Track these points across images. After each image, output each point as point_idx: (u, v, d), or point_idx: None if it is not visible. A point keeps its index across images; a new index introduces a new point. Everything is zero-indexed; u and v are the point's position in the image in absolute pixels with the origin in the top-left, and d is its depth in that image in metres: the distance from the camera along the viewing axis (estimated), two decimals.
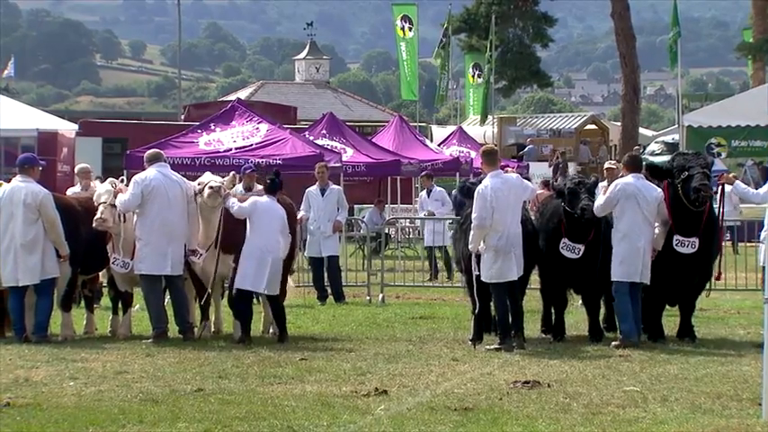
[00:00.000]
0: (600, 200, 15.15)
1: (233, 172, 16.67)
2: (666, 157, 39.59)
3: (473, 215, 14.68)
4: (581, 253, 15.25)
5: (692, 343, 15.16)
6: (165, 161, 16.19)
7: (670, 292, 15.34)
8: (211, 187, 15.38)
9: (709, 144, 34.61)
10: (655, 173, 15.44)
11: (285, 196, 16.52)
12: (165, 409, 11.00)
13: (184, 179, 15.96)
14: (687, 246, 15.03)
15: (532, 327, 16.54)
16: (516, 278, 14.75)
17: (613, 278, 14.98)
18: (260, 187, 17.17)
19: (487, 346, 14.68)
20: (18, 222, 15.15)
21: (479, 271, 14.78)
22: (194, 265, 15.75)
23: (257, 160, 22.00)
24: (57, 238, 15.26)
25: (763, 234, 14.91)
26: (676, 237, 15.06)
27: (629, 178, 15.11)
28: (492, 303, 15.02)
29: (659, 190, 15.10)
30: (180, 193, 15.53)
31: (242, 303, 15.47)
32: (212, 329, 16.30)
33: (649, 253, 14.97)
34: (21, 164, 15.78)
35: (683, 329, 15.49)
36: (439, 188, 25.22)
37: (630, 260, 14.89)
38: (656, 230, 15.19)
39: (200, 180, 15.72)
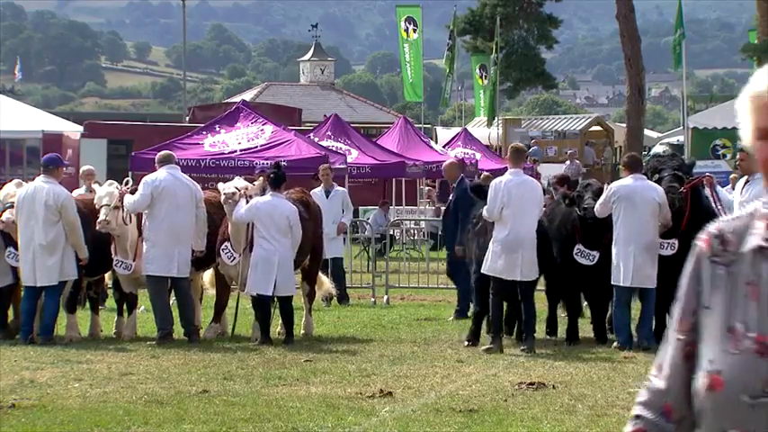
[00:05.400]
0: (598, 201, 14.99)
1: (263, 176, 16.65)
2: None
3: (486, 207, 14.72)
4: (596, 260, 15.09)
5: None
6: (177, 163, 16.22)
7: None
8: (225, 194, 15.40)
9: (714, 145, 34.65)
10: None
11: (308, 197, 16.71)
12: (170, 410, 11.00)
13: (194, 182, 15.98)
14: (666, 248, 14.78)
15: (537, 329, 16.53)
16: (519, 279, 14.65)
17: (612, 282, 14.83)
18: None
19: (482, 348, 14.65)
20: (39, 223, 15.14)
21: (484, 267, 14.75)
22: (227, 269, 15.79)
23: (264, 162, 21.99)
24: (77, 240, 15.27)
25: None
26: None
27: (627, 180, 14.89)
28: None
29: (660, 191, 14.82)
30: (189, 196, 15.55)
31: (260, 307, 15.48)
32: (218, 331, 16.34)
33: (645, 256, 14.67)
34: (45, 164, 15.77)
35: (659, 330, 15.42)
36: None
37: (619, 264, 14.69)
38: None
39: (225, 186, 15.70)
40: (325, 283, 17.47)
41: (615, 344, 14.85)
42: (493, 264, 14.64)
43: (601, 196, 15.00)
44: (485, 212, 14.79)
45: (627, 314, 14.82)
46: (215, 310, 16.13)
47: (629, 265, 14.65)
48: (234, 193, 15.41)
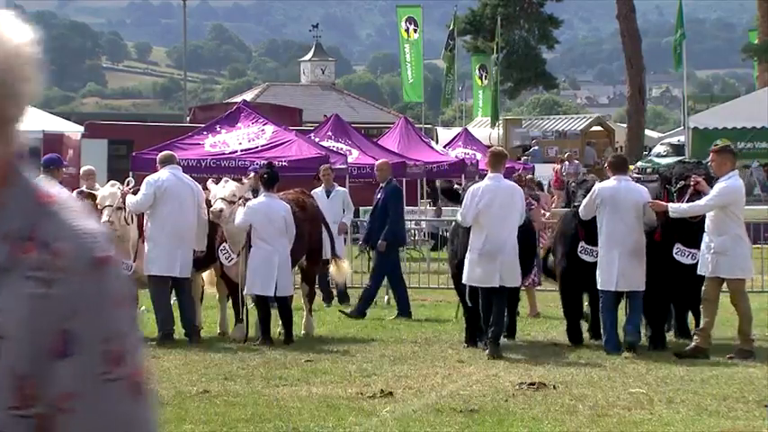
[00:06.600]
0: (582, 202, 14.77)
1: (253, 174, 16.63)
2: (672, 159, 39.62)
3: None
4: (598, 256, 14.91)
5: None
6: (179, 163, 16.23)
7: (673, 299, 15.17)
8: (213, 212, 15.36)
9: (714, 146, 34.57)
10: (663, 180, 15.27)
11: (306, 198, 16.71)
12: (171, 410, 11.00)
13: (196, 182, 15.98)
14: (687, 256, 14.64)
15: (537, 329, 16.53)
16: (497, 285, 14.38)
17: (598, 286, 14.64)
18: None
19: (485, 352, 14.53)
20: None
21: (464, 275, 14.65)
22: (229, 270, 15.80)
23: (263, 162, 21.98)
24: None
25: (705, 245, 14.19)
26: (677, 246, 14.65)
27: (611, 181, 14.64)
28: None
29: (644, 193, 14.67)
30: (191, 196, 15.55)
31: (260, 307, 15.46)
32: (218, 330, 16.38)
33: (631, 259, 14.44)
34: (45, 165, 15.80)
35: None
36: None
37: (604, 268, 14.49)
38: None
39: (214, 193, 15.67)
40: (344, 267, 17.58)
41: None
42: (471, 273, 14.47)
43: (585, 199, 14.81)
44: (458, 217, 14.76)
45: (614, 319, 14.68)
46: (234, 311, 16.09)
47: (614, 268, 14.43)
48: (222, 210, 15.32)
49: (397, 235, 19.50)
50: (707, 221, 14.22)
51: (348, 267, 17.82)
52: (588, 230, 14.96)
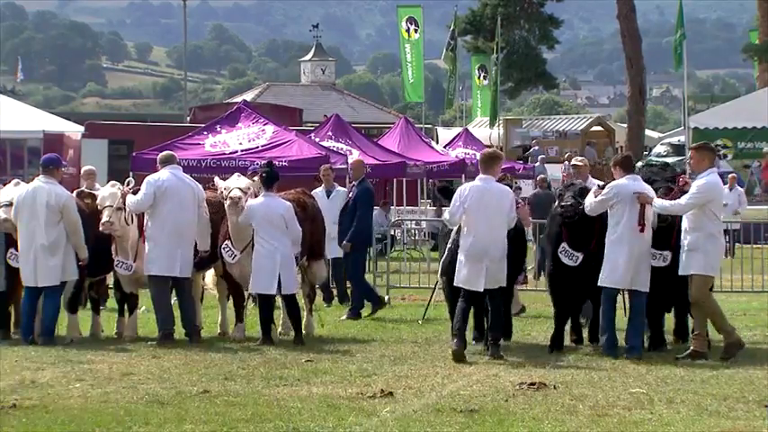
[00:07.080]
0: (591, 199, 14.61)
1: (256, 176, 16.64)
2: (672, 159, 39.53)
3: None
4: (579, 261, 14.75)
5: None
6: (179, 163, 16.24)
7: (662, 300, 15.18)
8: (231, 197, 15.36)
9: (714, 146, 34.60)
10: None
11: (307, 198, 16.70)
12: (171, 410, 11.01)
13: (196, 182, 15.99)
14: (658, 259, 14.56)
15: (537, 329, 16.54)
16: (482, 289, 14.31)
17: (600, 283, 14.49)
18: None
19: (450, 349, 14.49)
20: (40, 223, 15.15)
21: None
22: (231, 268, 15.79)
23: (263, 162, 21.96)
24: (78, 241, 15.28)
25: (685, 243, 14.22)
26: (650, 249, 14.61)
27: (624, 180, 14.57)
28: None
29: (653, 193, 14.59)
30: (192, 196, 15.56)
31: (263, 307, 15.45)
32: (218, 331, 16.39)
33: (644, 259, 14.42)
34: (45, 164, 15.77)
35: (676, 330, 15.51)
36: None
37: (615, 265, 14.37)
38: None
39: (226, 184, 15.70)
40: (315, 269, 17.11)
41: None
42: (458, 274, 14.45)
43: (588, 196, 14.68)
44: (446, 215, 14.78)
45: (614, 318, 14.62)
46: (236, 311, 16.09)
47: (630, 266, 14.35)
48: (240, 198, 15.37)
49: (363, 235, 19.52)
50: (684, 218, 14.27)
51: (322, 271, 17.32)
52: (573, 233, 14.83)
